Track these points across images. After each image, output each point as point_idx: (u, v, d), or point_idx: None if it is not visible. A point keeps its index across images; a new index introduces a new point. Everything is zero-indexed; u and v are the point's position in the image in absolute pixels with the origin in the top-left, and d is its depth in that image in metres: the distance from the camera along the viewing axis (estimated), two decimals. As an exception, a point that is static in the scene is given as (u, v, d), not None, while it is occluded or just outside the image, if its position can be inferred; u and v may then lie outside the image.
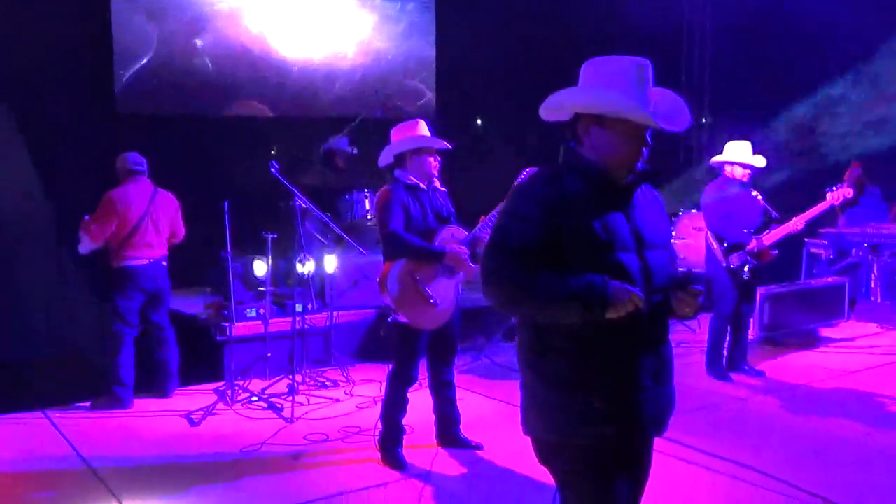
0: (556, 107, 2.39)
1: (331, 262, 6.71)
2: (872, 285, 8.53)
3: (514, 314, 2.45)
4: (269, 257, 5.84)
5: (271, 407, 5.50)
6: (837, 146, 8.88)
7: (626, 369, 2.29)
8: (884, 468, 4.41)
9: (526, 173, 4.38)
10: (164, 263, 5.76)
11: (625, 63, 2.32)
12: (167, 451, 4.79)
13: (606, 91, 2.29)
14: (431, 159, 4.42)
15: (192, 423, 5.26)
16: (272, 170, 5.56)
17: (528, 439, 2.43)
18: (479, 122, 9.83)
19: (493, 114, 9.62)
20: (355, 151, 7.74)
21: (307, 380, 6.06)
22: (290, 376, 5.69)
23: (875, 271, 8.47)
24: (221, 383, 5.97)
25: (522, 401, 2.44)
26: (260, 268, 6.55)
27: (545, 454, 2.39)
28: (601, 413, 2.27)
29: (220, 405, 5.53)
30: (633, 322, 2.22)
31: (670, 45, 10.72)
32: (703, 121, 10.91)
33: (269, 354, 5.99)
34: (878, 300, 8.43)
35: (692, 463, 4.48)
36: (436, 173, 4.48)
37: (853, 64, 8.88)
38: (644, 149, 2.32)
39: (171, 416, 5.40)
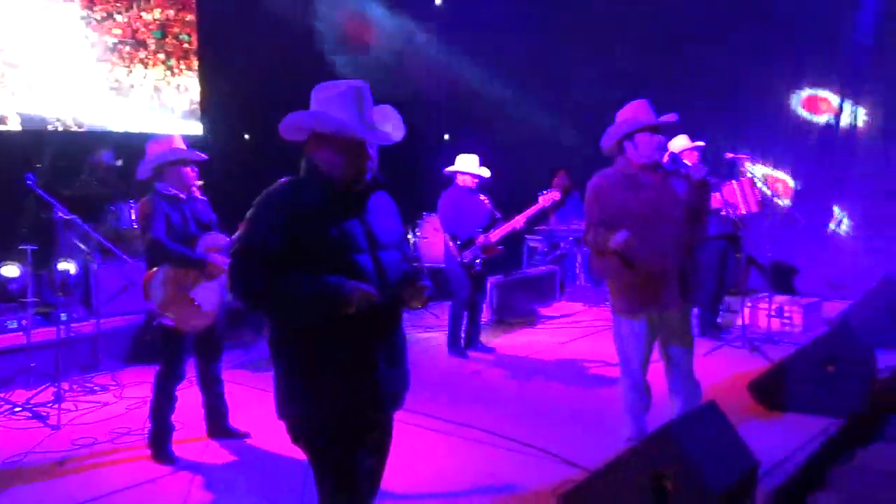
0: (291, 128, 2.43)
1: (93, 271, 6.18)
2: (577, 271, 9.26)
3: (261, 313, 2.44)
4: (31, 268, 5.27)
5: (36, 416, 4.95)
6: (548, 158, 9.54)
7: (362, 354, 2.36)
8: (589, 420, 4.80)
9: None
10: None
11: (343, 86, 2.39)
12: (-81, 470, 4.17)
13: (327, 112, 2.35)
14: (188, 170, 4.22)
15: (-53, 439, 4.62)
16: (28, 182, 5.01)
17: None
18: (246, 136, 9.50)
19: (259, 129, 9.34)
20: (119, 163, 7.19)
21: (75, 386, 5.50)
22: (56, 384, 5.15)
23: (579, 260, 9.21)
24: (-20, 397, 5.29)
25: (275, 388, 2.44)
26: (10, 271, 5.87)
27: (295, 434, 2.42)
28: (340, 394, 2.33)
29: (-21, 419, 4.90)
30: (368, 313, 2.28)
31: (414, 73, 10.97)
32: (445, 137, 11.29)
33: (32, 364, 5.40)
34: (582, 283, 9.17)
35: (437, 431, 4.63)
36: (193, 183, 4.28)
37: (565, 93, 9.63)
38: (368, 161, 2.39)
39: (-77, 435, 4.71)
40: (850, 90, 8.32)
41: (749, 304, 7.00)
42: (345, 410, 2.35)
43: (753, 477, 3.38)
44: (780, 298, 7.17)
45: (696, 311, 4.51)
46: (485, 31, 10.08)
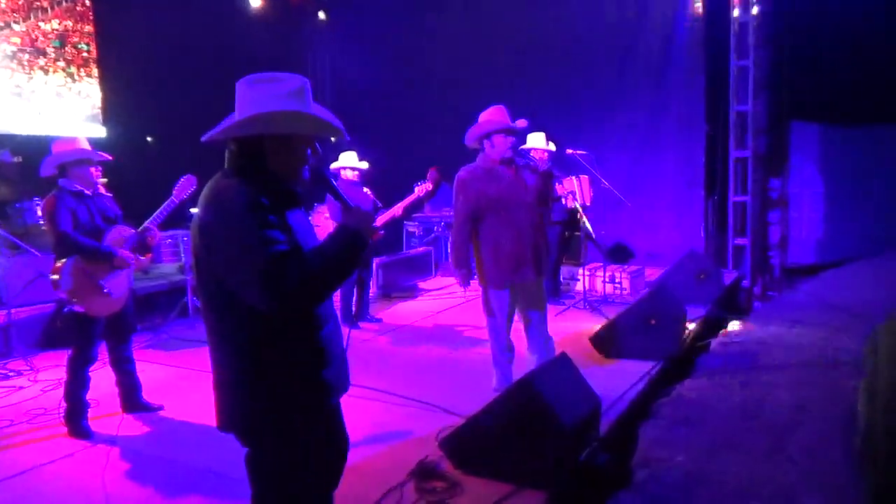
0: (243, 132, 1.96)
1: (1, 265, 5.60)
2: (449, 251, 9.30)
3: (326, 296, 1.99)
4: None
5: (-51, 404, 4.46)
6: (424, 154, 9.52)
7: (329, 348, 2.06)
8: (462, 374, 4.86)
9: (185, 179, 4.06)
10: None
11: (291, 82, 1.99)
12: None
13: (292, 112, 1.95)
14: (92, 169, 3.90)
15: None
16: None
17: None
18: (149, 139, 8.91)
19: (160, 132, 8.77)
20: (17, 160, 6.54)
21: (-13, 373, 5.02)
22: (-32, 373, 4.67)
23: (450, 241, 9.25)
24: None
25: (225, 398, 2.01)
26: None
27: (255, 438, 2.02)
28: (319, 390, 2.04)
29: None
30: (324, 306, 2.06)
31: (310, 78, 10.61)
32: (332, 140, 11.03)
33: (-58, 356, 4.86)
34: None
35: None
36: (97, 181, 3.95)
37: (438, 99, 9.57)
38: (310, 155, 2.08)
39: None
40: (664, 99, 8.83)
41: (587, 273, 7.30)
42: (315, 401, 2.03)
43: (597, 412, 3.54)
44: (612, 267, 7.52)
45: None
46: (369, 42, 9.94)
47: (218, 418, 2.03)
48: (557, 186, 6.46)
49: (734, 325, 6.45)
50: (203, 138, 2.03)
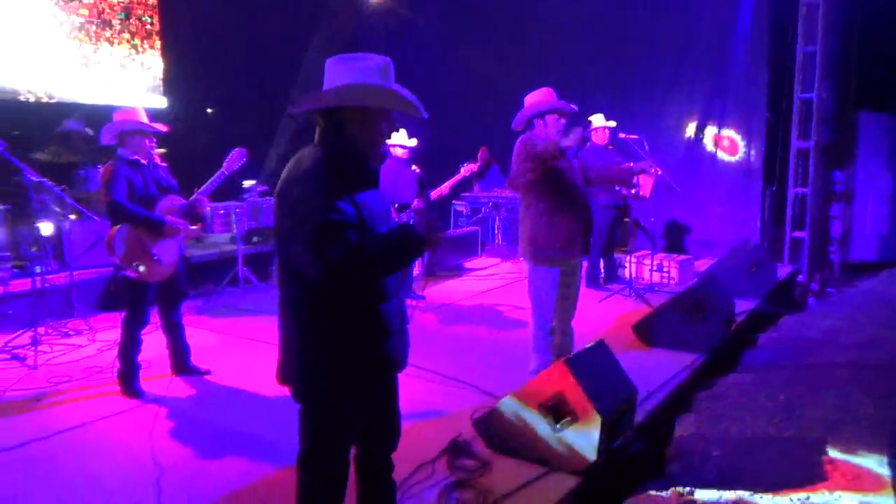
0: (324, 104, 2.03)
1: (65, 229, 5.87)
2: (496, 231, 9.32)
3: (368, 277, 2.02)
4: (5, 226, 4.96)
5: (14, 357, 4.71)
6: (473, 134, 9.49)
7: (388, 322, 2.12)
8: (501, 355, 4.86)
9: (235, 152, 4.16)
10: None
11: (375, 60, 2.05)
12: None
13: (372, 87, 2.01)
14: (147, 141, 4.02)
15: (-70, 379, 4.35)
16: (-1, 149, 4.70)
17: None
18: (209, 110, 9.13)
19: (221, 104, 8.98)
20: (90, 132, 6.80)
21: (50, 331, 5.27)
22: (33, 329, 4.91)
23: (497, 222, 9.25)
24: (-39, 341, 5.00)
25: (287, 352, 2.13)
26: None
27: (306, 393, 2.13)
28: (374, 361, 2.12)
29: (-39, 361, 4.64)
30: (389, 281, 2.10)
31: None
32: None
33: (10, 312, 5.12)
34: (500, 242, 9.25)
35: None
36: (152, 152, 4.08)
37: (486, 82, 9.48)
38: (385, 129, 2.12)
39: None
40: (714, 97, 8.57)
41: (635, 261, 7.19)
42: (369, 370, 2.11)
43: (633, 401, 3.50)
44: (659, 255, 7.38)
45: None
46: (423, 24, 9.91)
47: (277, 370, 2.16)
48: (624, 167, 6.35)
49: (785, 321, 6.26)
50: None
